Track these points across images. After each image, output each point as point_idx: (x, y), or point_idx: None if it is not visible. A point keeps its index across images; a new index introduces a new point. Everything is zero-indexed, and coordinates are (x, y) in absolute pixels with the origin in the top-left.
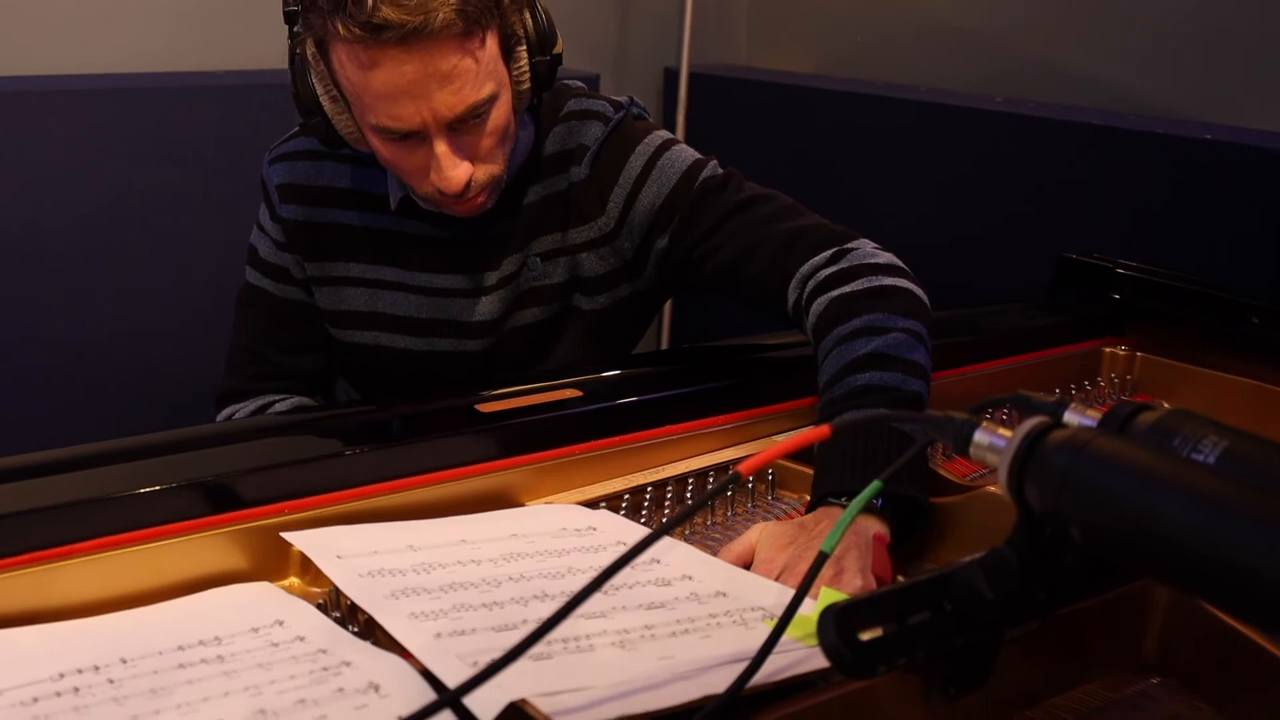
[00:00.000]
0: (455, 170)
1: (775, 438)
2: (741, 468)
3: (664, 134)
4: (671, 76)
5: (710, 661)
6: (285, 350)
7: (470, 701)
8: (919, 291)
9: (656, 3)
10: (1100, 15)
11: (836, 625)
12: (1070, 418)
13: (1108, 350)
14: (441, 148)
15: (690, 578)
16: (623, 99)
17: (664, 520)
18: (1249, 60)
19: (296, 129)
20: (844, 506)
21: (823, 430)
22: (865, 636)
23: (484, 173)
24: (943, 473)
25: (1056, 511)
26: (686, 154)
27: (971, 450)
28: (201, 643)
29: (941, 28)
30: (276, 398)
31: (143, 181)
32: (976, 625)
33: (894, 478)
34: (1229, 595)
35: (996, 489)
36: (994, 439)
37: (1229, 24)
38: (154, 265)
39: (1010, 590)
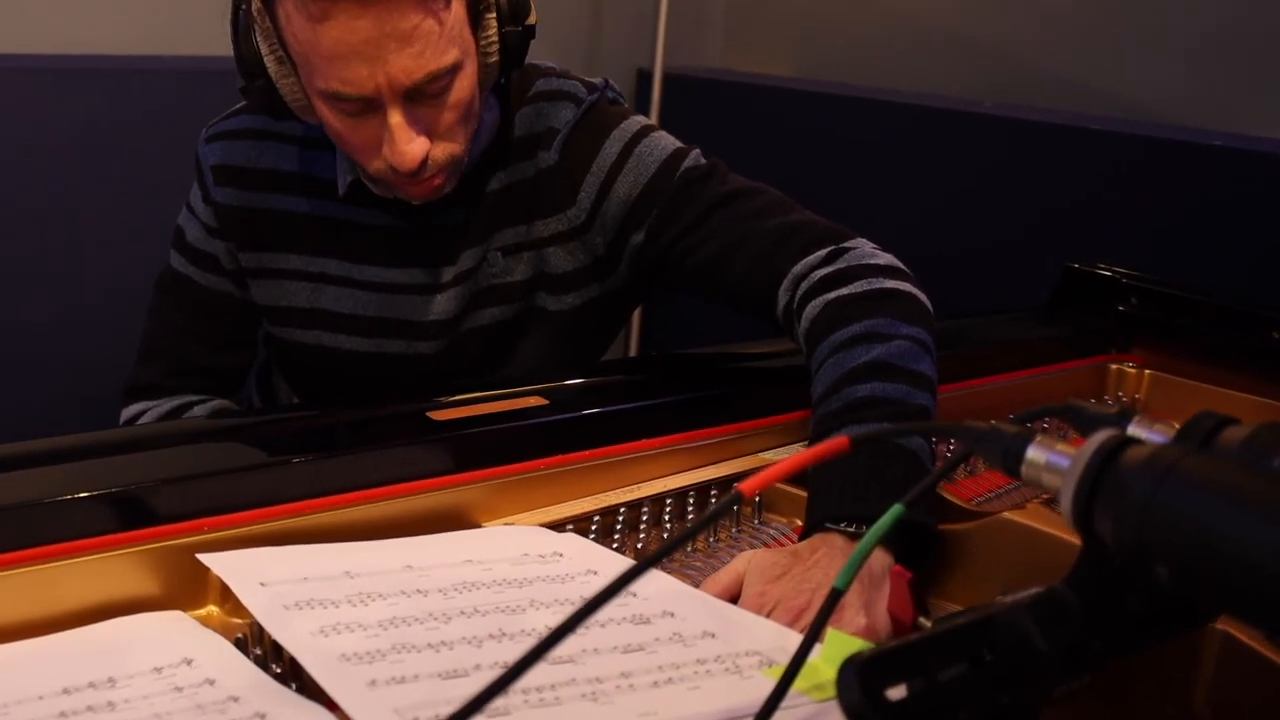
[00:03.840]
0: (410, 145)
1: (764, 454)
2: (743, 486)
3: (641, 119)
4: (644, 78)
5: None
6: (205, 344)
7: None
8: (922, 296)
9: (630, 1)
10: (1092, 18)
11: (861, 682)
12: (1137, 432)
13: (1114, 366)
14: (396, 118)
15: (672, 614)
16: (597, 80)
17: (639, 545)
18: (1251, 65)
19: (238, 106)
20: (843, 533)
21: (840, 442)
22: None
23: (443, 151)
24: (946, 495)
25: (1137, 546)
26: (666, 142)
27: (1024, 470)
28: (92, 685)
29: (927, 32)
30: (194, 398)
31: (79, 166)
32: (1023, 680)
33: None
34: None
35: (1012, 514)
36: (1053, 456)
37: (1230, 27)
38: (87, 254)
39: (1067, 639)
